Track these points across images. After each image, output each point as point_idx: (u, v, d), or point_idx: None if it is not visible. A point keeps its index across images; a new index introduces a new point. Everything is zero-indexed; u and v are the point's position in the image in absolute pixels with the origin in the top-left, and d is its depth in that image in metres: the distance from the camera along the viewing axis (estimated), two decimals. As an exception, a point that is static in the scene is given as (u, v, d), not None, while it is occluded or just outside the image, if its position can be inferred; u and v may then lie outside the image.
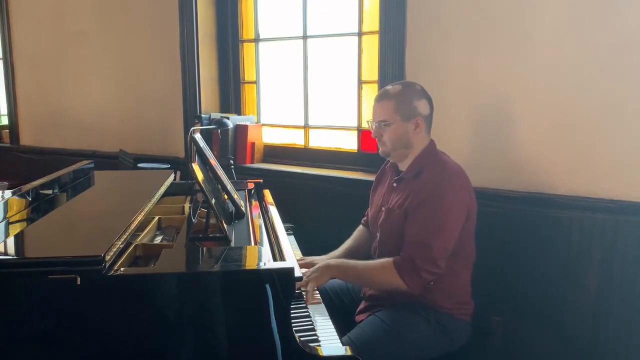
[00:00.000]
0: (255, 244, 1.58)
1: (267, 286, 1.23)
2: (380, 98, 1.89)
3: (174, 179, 2.24)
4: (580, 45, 2.03)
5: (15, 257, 1.28)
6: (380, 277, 1.81)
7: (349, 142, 2.88)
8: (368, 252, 2.06)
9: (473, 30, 2.25)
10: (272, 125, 3.20)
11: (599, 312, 2.08)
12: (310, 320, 1.60)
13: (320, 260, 2.01)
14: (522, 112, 2.17)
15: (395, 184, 1.92)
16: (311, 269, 1.82)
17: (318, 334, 1.52)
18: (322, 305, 1.75)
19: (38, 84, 3.92)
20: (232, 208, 1.82)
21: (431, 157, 1.87)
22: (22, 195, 1.61)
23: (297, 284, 1.66)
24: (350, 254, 2.08)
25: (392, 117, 1.85)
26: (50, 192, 1.76)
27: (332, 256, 2.07)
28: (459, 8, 2.27)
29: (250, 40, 3.20)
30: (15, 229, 1.44)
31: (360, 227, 2.19)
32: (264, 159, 3.13)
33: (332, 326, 1.59)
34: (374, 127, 1.90)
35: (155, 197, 1.80)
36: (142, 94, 3.43)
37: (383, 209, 1.93)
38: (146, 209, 1.62)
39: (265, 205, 2.11)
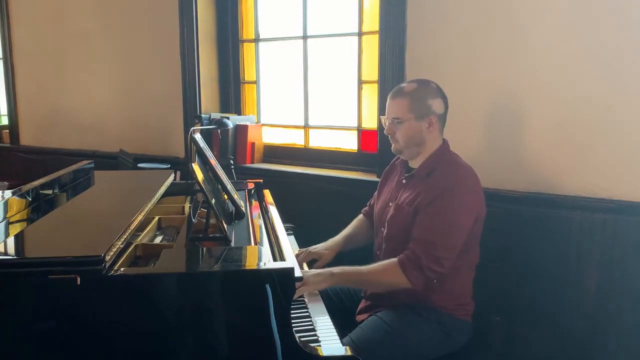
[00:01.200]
0: (255, 244, 1.58)
1: (267, 286, 1.23)
2: (395, 95, 1.87)
3: (174, 179, 2.24)
4: (581, 44, 2.03)
5: (15, 257, 1.28)
6: (385, 279, 1.79)
7: (349, 142, 2.88)
8: (366, 241, 2.08)
9: (473, 30, 2.25)
10: (272, 125, 3.20)
11: (599, 312, 2.08)
12: (310, 320, 1.60)
13: (320, 248, 2.05)
14: (522, 112, 2.17)
15: (404, 181, 1.91)
16: (313, 272, 1.78)
17: (318, 334, 1.52)
18: (322, 305, 1.75)
19: (38, 84, 3.92)
20: (232, 208, 1.82)
21: (444, 157, 1.86)
22: (22, 195, 1.61)
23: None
24: (349, 241, 2.11)
25: (406, 115, 1.83)
26: (50, 192, 1.76)
27: (332, 242, 2.09)
28: (459, 8, 2.27)
29: (250, 40, 3.20)
30: (15, 229, 1.44)
31: (360, 216, 2.20)
32: (264, 159, 3.13)
33: (332, 326, 1.59)
34: (387, 123, 1.89)
35: (155, 197, 1.80)
36: (142, 94, 3.43)
37: (391, 204, 1.92)
38: (146, 209, 1.62)
39: (265, 205, 2.11)
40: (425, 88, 1.86)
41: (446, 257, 1.74)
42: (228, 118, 2.97)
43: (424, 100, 1.83)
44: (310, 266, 2.03)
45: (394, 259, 1.77)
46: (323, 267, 1.97)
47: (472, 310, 1.91)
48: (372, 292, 1.93)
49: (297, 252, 2.06)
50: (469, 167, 1.87)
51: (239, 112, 3.25)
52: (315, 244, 2.14)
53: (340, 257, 2.07)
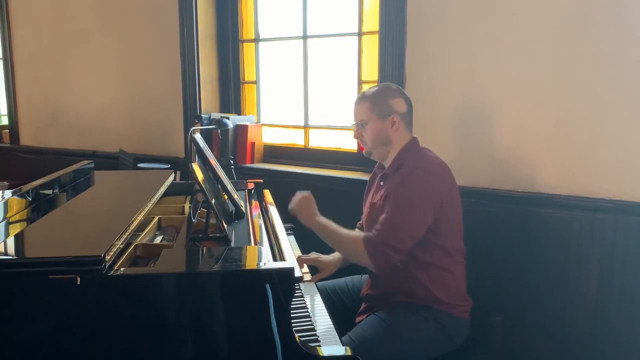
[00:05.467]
0: (255, 244, 1.58)
1: (267, 286, 1.23)
2: (358, 100, 1.97)
3: (174, 179, 2.24)
4: (580, 45, 2.03)
5: (15, 257, 1.28)
6: (352, 251, 1.85)
7: (349, 142, 2.88)
8: None
9: (473, 30, 2.25)
10: (272, 125, 3.20)
11: (599, 312, 2.08)
12: (310, 320, 1.60)
13: (327, 260, 2.07)
14: (522, 112, 2.17)
15: (382, 182, 1.96)
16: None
17: (318, 334, 1.52)
18: (322, 305, 1.75)
19: (38, 84, 3.92)
20: (232, 208, 1.82)
21: (411, 152, 1.92)
22: (22, 195, 1.61)
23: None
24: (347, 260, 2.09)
25: (369, 116, 1.91)
26: (50, 192, 1.76)
27: (334, 257, 2.08)
28: (459, 8, 2.27)
29: (250, 40, 3.20)
30: (15, 229, 1.44)
31: (356, 230, 2.20)
32: (264, 159, 3.13)
33: (332, 326, 1.59)
34: (355, 128, 1.97)
35: (155, 197, 1.80)
36: (142, 94, 3.42)
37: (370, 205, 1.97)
38: (146, 209, 1.62)
39: (265, 205, 2.12)
40: (385, 90, 1.96)
41: (405, 236, 1.76)
42: (228, 118, 2.97)
43: (384, 100, 1.91)
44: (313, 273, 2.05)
45: (362, 234, 1.83)
46: (325, 279, 2.04)
47: (470, 307, 1.91)
48: (370, 294, 1.94)
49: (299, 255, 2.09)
50: (436, 157, 1.91)
51: (239, 112, 3.25)
52: (315, 244, 2.14)
53: (340, 271, 2.08)
